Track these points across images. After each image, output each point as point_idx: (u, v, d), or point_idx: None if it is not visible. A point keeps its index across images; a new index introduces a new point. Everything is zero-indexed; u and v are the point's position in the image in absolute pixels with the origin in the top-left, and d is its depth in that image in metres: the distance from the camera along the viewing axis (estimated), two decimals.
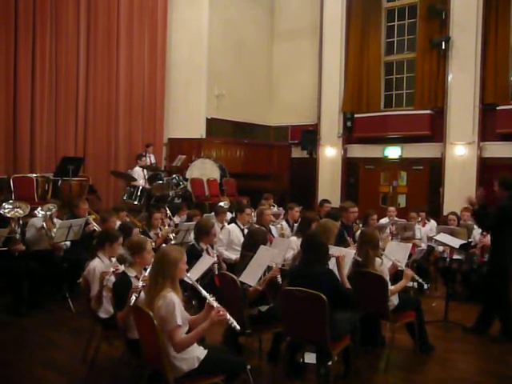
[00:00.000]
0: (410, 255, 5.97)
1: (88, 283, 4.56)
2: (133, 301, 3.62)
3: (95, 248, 4.95)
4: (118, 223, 6.80)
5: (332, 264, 4.48)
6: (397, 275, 5.15)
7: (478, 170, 11.60)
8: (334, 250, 4.52)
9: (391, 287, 4.90)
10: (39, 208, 6.84)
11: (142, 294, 3.69)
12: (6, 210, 6.52)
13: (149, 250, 4.20)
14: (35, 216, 6.75)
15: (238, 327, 3.43)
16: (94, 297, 4.43)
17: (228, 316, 3.39)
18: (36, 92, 10.32)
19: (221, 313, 3.35)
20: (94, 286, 4.45)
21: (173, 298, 3.36)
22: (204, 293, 3.53)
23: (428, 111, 12.32)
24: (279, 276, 4.56)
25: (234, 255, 6.35)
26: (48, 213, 6.71)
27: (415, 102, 12.71)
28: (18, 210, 6.57)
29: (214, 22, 13.48)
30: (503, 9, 11.35)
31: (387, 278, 4.85)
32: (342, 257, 4.48)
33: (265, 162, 15.00)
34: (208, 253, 5.66)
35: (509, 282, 5.77)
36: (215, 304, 3.42)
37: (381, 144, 13.17)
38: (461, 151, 11.81)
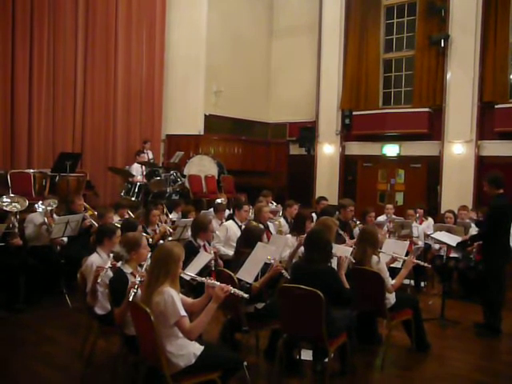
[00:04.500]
0: (407, 253, 5.97)
1: (85, 278, 4.55)
2: (131, 296, 3.59)
3: (94, 244, 4.94)
4: (117, 219, 6.79)
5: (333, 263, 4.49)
6: (393, 272, 5.14)
7: (475, 168, 11.62)
8: (334, 249, 4.52)
9: (392, 281, 4.91)
10: (40, 202, 6.81)
11: (139, 290, 3.68)
12: (5, 204, 6.52)
13: (144, 246, 4.18)
14: (35, 211, 6.74)
15: (245, 295, 3.49)
16: (88, 291, 4.42)
17: (233, 289, 3.43)
18: (33, 87, 10.26)
19: (225, 288, 3.38)
20: (90, 281, 4.43)
21: (170, 292, 3.35)
22: (202, 278, 3.58)
23: (426, 109, 12.32)
24: (284, 271, 4.55)
25: (231, 252, 6.33)
26: (49, 208, 6.70)
27: (413, 99, 12.70)
28: (16, 204, 6.56)
29: (213, 18, 13.43)
30: (503, 7, 11.35)
31: (386, 275, 4.86)
32: (344, 258, 4.51)
33: (263, 159, 15.02)
34: (205, 249, 5.65)
35: (503, 281, 5.79)
36: (216, 283, 3.45)
37: (379, 142, 13.18)
38: (459, 149, 11.82)
